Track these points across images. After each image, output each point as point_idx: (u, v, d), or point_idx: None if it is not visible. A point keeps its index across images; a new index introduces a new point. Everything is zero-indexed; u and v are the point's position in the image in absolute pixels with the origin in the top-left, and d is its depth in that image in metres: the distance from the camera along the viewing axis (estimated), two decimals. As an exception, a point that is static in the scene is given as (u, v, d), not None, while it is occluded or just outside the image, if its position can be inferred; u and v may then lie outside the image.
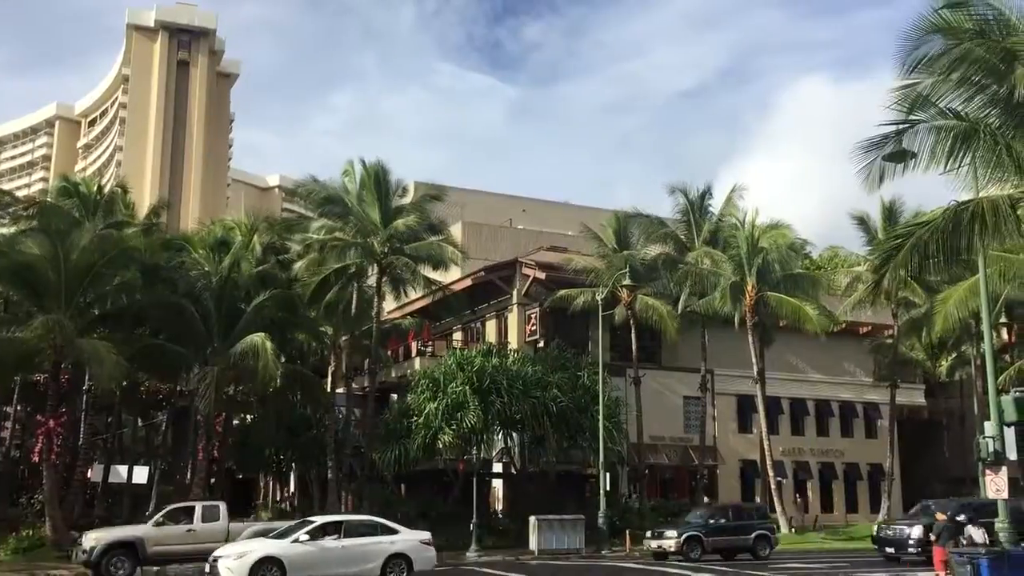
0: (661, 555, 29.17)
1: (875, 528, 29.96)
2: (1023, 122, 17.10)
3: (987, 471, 18.27)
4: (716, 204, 45.49)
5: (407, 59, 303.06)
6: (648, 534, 30.57)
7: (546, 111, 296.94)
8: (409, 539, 22.06)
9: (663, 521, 38.45)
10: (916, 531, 26.84)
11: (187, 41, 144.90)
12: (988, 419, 18.64)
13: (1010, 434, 17.89)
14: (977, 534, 19.51)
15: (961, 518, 26.67)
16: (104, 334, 32.48)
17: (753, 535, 30.25)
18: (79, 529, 32.83)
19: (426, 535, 22.88)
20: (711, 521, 30.38)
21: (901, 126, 17.27)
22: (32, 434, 39.39)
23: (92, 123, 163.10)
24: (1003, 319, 40.55)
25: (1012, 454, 17.95)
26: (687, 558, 28.45)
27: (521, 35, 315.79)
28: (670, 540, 29.18)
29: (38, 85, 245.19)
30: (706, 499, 41.85)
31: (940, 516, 19.59)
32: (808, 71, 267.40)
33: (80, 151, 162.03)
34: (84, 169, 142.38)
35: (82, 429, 36.54)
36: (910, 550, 26.90)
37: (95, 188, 40.52)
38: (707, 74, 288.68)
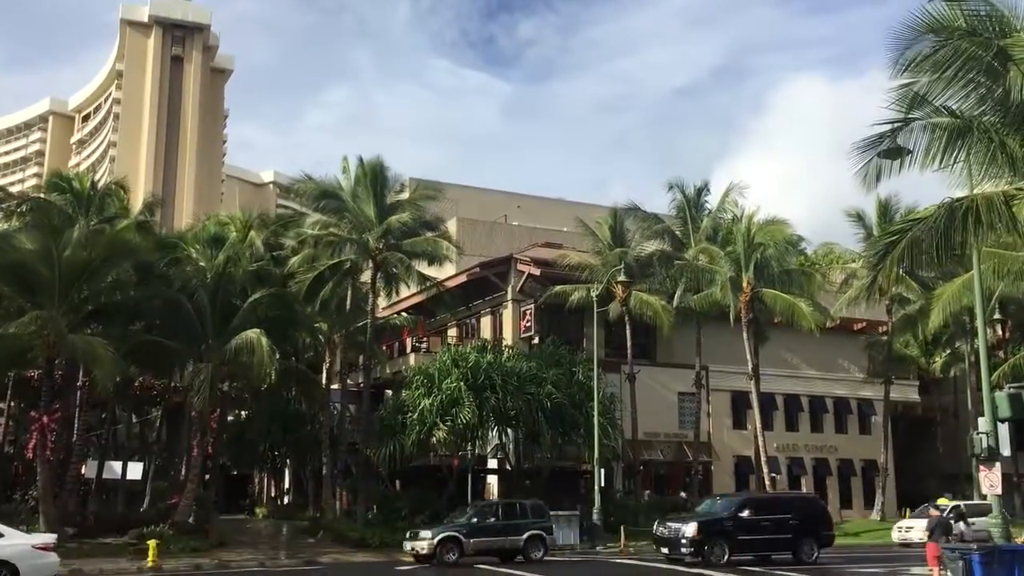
0: (420, 558, 26.43)
1: (654, 526, 27.24)
2: (1015, 120, 17.12)
3: (981, 467, 18.33)
4: (712, 201, 45.73)
5: (402, 55, 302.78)
6: (407, 535, 27.66)
7: (541, 108, 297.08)
8: (17, 544, 19.04)
9: (657, 517, 38.67)
10: (690, 529, 24.79)
11: (181, 37, 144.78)
12: (982, 415, 18.70)
13: (1003, 430, 17.95)
14: (967, 530, 19.58)
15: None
16: (98, 330, 32.40)
17: (525, 536, 27.37)
18: (73, 525, 32.90)
19: (45, 538, 20.07)
20: (475, 520, 27.45)
21: (896, 124, 17.29)
22: (26, 430, 39.33)
23: (86, 119, 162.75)
24: (997, 315, 40.66)
25: (1005, 450, 18.02)
26: (442, 562, 25.88)
27: (515, 32, 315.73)
28: (423, 542, 26.29)
29: (32, 80, 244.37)
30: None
31: (933, 512, 19.65)
32: (802, 69, 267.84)
33: (74, 147, 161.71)
34: (78, 165, 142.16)
35: (76, 425, 36.46)
36: (683, 550, 24.81)
37: (88, 184, 40.38)
38: (701, 72, 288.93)
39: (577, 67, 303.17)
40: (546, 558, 27.57)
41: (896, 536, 34.52)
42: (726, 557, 24.65)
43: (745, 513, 25.76)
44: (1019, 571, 15.32)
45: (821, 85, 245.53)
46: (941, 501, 35.23)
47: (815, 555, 25.92)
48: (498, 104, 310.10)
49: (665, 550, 25.60)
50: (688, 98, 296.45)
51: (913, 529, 32.72)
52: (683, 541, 24.72)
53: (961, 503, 32.19)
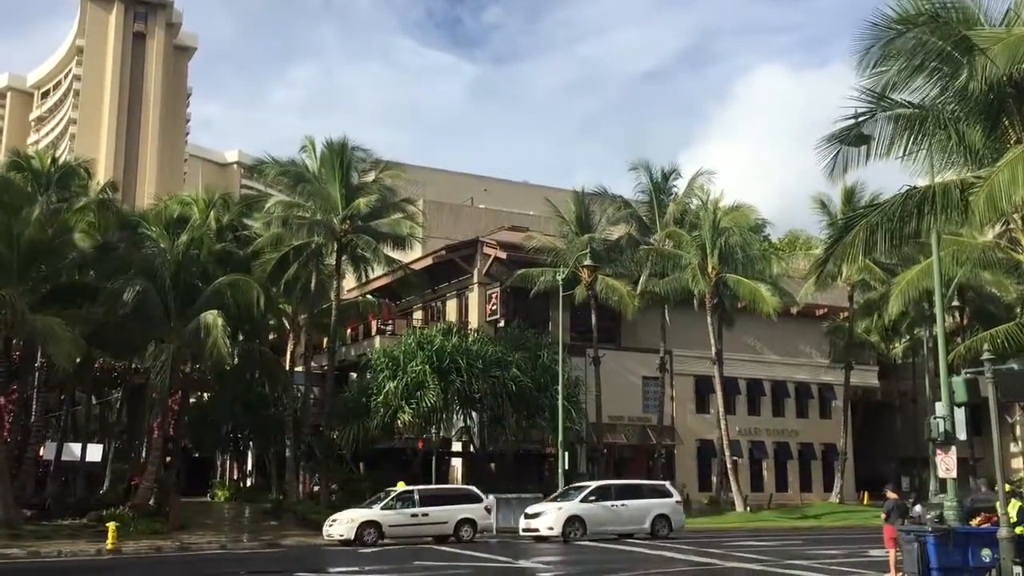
0: None
1: None
2: (975, 109, 17.36)
3: (937, 451, 18.62)
4: (680, 185, 45.78)
5: (367, 34, 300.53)
6: None
7: (507, 90, 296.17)
8: None
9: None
10: None
11: (143, 13, 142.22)
12: (939, 400, 18.98)
13: (960, 415, 18.22)
14: (923, 513, 19.89)
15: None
16: (57, 311, 31.91)
17: None
18: (31, 507, 32.48)
19: None
20: None
21: (861, 116, 17.45)
22: (-18, 411, 38.74)
23: (45, 95, 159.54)
24: (955, 302, 41.29)
25: (962, 434, 18.28)
26: None
27: (481, 12, 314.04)
28: None
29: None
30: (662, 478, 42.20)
31: (891, 494, 19.91)
32: (767, 55, 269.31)
33: (32, 123, 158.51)
34: (37, 142, 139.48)
35: (34, 406, 35.97)
36: None
37: (48, 162, 39.71)
38: (668, 56, 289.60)
39: (544, 48, 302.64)
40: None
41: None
42: None
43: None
44: (973, 553, 15.61)
45: (785, 74, 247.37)
46: (400, 484, 29.49)
47: None
48: (464, 85, 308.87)
49: None
50: (654, 82, 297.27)
51: (335, 522, 27.45)
52: None
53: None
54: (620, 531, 28.96)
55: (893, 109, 17.59)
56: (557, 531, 27.65)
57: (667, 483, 32.51)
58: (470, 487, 31.24)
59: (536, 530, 28.03)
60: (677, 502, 30.54)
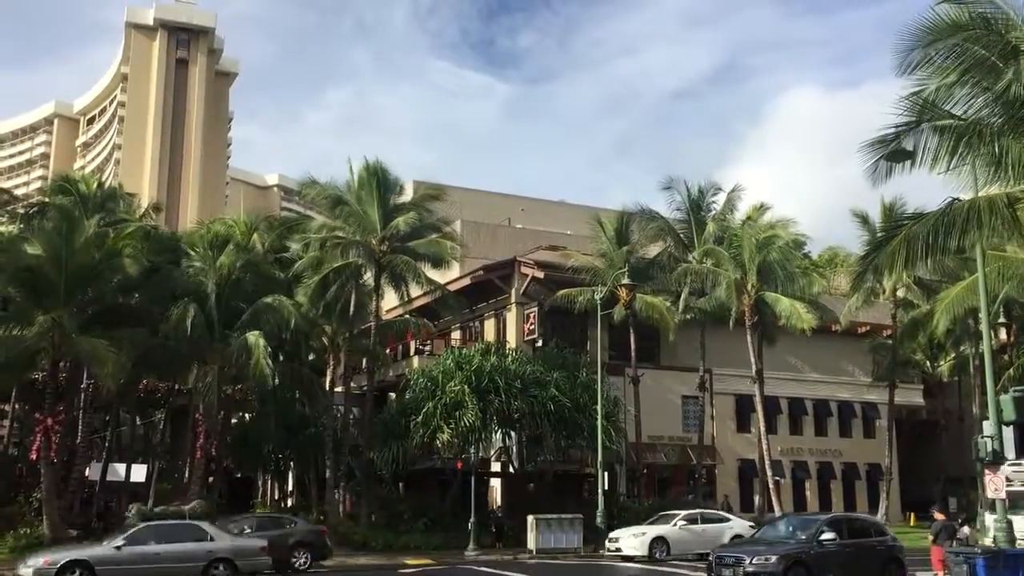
0: None
1: None
2: (1017, 124, 17.07)
3: (986, 470, 18.28)
4: (718, 201, 45.43)
5: (401, 56, 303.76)
6: None
7: (541, 110, 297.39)
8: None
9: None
10: None
11: (186, 40, 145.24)
12: (987, 419, 18.64)
13: (1008, 433, 17.88)
14: (971, 534, 19.52)
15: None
16: (103, 332, 32.45)
17: None
18: (77, 527, 32.90)
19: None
20: None
21: (902, 128, 17.25)
22: (30, 432, 39.39)
23: (91, 121, 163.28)
24: (1002, 319, 40.50)
25: (1011, 453, 17.94)
26: None
27: (516, 32, 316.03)
28: None
29: (37, 81, 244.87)
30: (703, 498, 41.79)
31: (938, 515, 19.56)
32: (800, 71, 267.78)
33: (79, 149, 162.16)
34: (83, 167, 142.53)
35: (80, 427, 36.53)
36: None
37: (94, 186, 40.50)
38: (699, 74, 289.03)
39: (577, 68, 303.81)
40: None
41: None
42: None
43: None
44: (1024, 575, 15.27)
45: (819, 94, 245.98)
46: None
47: None
48: (498, 105, 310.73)
49: None
50: (687, 100, 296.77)
51: None
52: None
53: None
54: None
55: (936, 120, 17.34)
56: None
57: None
58: None
59: None
60: None
